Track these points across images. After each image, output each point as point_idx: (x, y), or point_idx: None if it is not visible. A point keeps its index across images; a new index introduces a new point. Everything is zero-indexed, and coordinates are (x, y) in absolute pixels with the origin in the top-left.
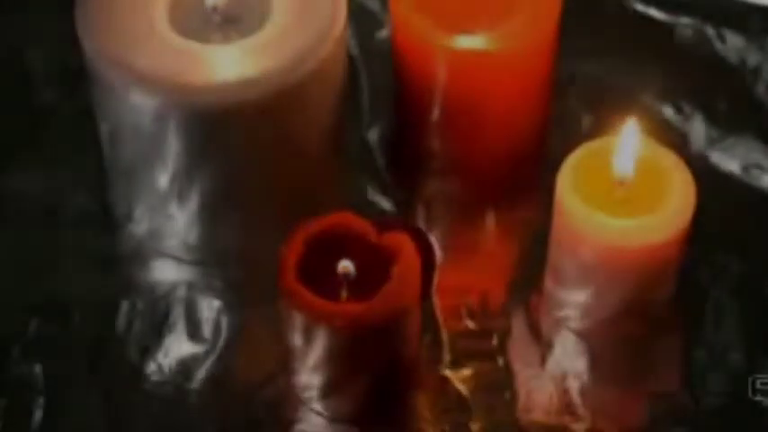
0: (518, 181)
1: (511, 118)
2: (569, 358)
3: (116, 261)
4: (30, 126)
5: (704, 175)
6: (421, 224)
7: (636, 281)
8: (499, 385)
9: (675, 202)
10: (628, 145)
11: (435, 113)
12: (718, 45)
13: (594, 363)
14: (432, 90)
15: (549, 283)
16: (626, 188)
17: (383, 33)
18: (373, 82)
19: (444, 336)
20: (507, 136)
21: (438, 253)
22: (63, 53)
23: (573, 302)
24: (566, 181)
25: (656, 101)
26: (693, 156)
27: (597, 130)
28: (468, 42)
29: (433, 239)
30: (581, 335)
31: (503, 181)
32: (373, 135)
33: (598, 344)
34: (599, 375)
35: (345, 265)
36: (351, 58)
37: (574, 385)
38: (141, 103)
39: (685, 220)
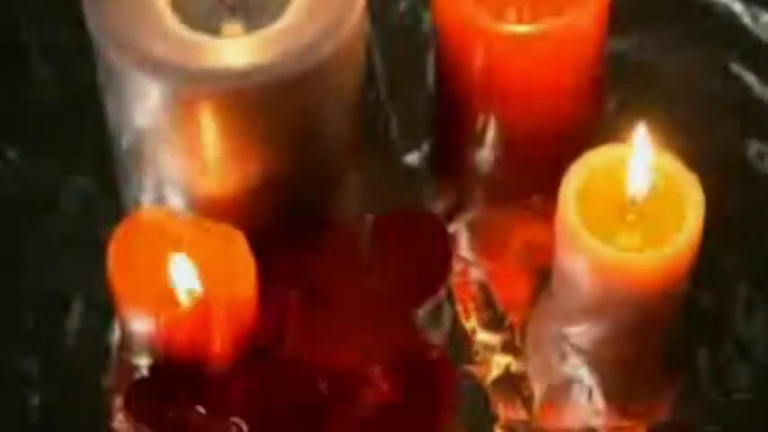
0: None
1: (560, 102)
2: (575, 369)
3: None
4: (26, 107)
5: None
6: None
7: (636, 309)
8: (517, 380)
9: (686, 235)
10: (642, 156)
11: (481, 97)
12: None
13: (597, 378)
14: (477, 74)
15: (553, 291)
16: (637, 209)
17: (401, 6)
18: (389, 58)
19: (467, 327)
20: (556, 123)
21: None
22: (60, 30)
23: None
24: (570, 201)
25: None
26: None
27: (622, 112)
28: (517, 26)
29: (451, 227)
30: (581, 352)
31: (549, 167)
32: (393, 114)
33: (598, 363)
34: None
35: None
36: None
37: (596, 383)
38: (152, 90)
39: (694, 251)
